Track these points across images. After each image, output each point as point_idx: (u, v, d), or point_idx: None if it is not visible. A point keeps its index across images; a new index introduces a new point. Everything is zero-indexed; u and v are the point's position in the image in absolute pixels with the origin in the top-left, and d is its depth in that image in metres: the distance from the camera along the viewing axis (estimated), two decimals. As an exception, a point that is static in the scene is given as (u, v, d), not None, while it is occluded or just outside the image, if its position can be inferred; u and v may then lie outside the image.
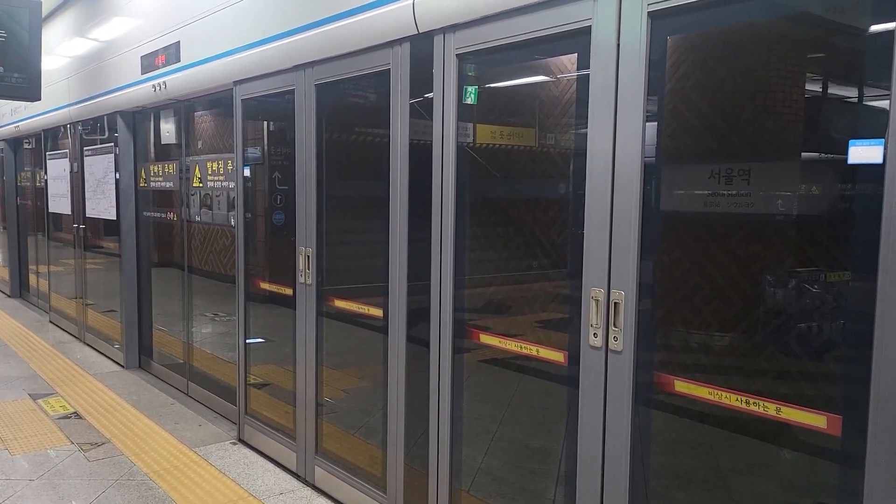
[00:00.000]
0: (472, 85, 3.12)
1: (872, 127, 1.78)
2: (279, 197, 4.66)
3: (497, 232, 3.73)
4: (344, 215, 4.19)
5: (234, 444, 4.75)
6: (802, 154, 2.46)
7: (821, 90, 2.49)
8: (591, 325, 2.46)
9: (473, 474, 3.42)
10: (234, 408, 4.92)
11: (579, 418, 2.54)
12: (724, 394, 2.15)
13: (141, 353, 6.80)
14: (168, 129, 6.31)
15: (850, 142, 1.78)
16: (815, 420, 1.91)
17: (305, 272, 4.02)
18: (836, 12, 2.07)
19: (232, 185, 4.99)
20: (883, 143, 1.70)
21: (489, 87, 3.37)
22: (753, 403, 2.06)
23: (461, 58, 2.96)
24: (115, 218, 6.75)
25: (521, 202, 3.64)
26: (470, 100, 3.24)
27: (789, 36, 2.42)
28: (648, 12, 2.21)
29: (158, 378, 6.39)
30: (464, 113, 3.14)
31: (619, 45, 2.30)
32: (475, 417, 3.65)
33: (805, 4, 2.14)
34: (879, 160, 1.71)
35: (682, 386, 2.26)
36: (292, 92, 4.04)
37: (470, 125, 3.37)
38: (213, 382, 5.60)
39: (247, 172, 4.78)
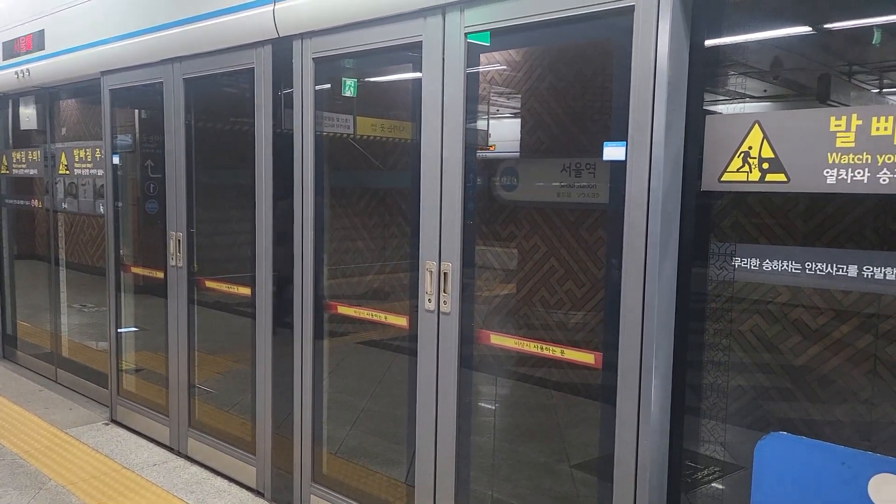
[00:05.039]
0: (351, 78, 3.50)
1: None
2: (152, 185, 4.67)
3: (375, 222, 4.10)
4: (216, 203, 4.43)
5: (107, 424, 4.89)
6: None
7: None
8: (427, 293, 2.92)
9: (341, 440, 3.83)
10: (107, 391, 5.03)
11: (418, 374, 2.99)
12: (525, 343, 2.68)
13: (6, 345, 6.66)
14: (30, 115, 6.21)
15: (604, 143, 2.31)
16: (586, 357, 2.46)
17: (176, 255, 4.25)
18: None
19: (101, 172, 5.07)
20: (625, 144, 2.23)
21: (367, 83, 3.74)
22: (546, 348, 2.60)
23: (317, 61, 3.32)
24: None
25: (397, 192, 4.01)
26: (350, 92, 3.61)
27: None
28: (465, 34, 2.69)
29: (25, 367, 6.32)
30: (344, 105, 3.51)
31: (444, 58, 2.76)
32: (349, 393, 4.05)
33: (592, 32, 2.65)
34: (622, 158, 2.24)
35: (496, 339, 2.77)
36: (162, 83, 4.24)
37: (350, 117, 3.74)
38: (83, 369, 5.65)
39: (117, 161, 4.88)
